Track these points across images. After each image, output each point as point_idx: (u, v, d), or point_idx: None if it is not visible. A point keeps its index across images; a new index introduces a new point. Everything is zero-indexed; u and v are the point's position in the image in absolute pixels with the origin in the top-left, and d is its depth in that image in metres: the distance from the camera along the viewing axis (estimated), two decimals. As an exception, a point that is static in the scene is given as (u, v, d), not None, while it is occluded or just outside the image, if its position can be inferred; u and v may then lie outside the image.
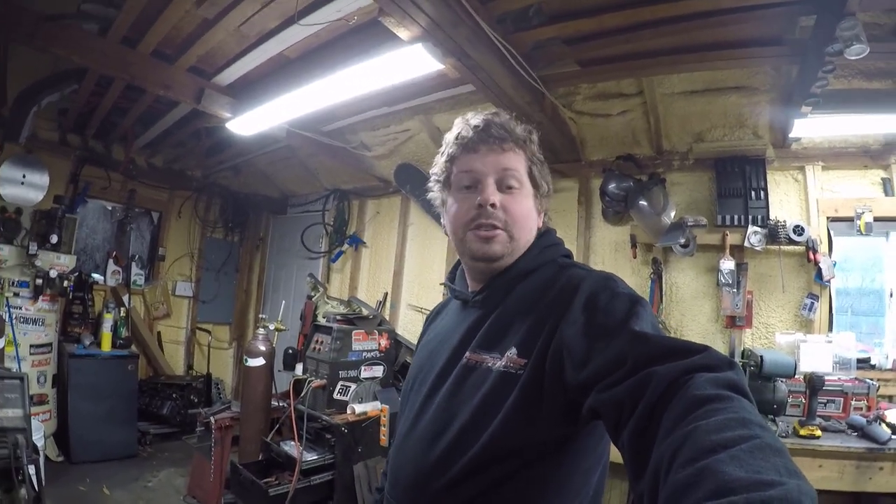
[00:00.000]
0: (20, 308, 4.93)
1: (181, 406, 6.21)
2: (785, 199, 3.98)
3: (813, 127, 3.45)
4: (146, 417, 6.04)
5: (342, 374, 4.11)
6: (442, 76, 3.43)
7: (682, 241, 3.89)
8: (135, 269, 6.70)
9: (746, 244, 3.80)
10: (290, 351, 4.60)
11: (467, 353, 1.20)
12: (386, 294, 5.93)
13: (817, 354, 3.39)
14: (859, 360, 3.60)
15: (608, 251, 4.59)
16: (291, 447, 3.72)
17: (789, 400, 3.39)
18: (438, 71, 3.19)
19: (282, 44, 3.66)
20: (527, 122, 1.35)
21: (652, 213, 3.91)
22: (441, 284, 5.16)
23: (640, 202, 3.94)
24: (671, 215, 3.93)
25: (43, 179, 5.21)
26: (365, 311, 5.22)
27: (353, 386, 4.08)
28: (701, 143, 4.13)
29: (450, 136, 1.33)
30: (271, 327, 4.47)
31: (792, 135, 3.63)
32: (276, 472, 3.73)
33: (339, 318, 4.49)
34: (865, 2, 2.46)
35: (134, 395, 5.77)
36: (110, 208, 7.18)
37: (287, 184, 7.36)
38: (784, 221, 3.78)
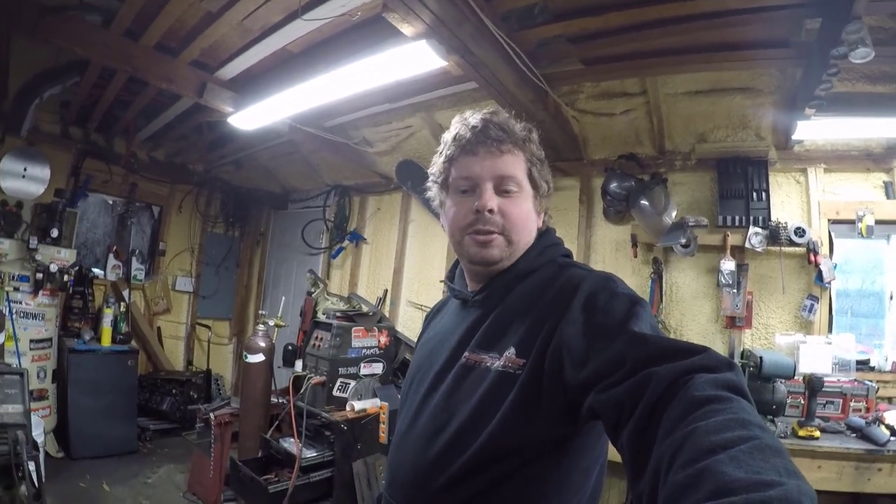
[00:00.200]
0: (20, 303, 4.92)
1: (181, 402, 6.22)
2: (786, 201, 3.98)
3: (816, 129, 3.45)
4: (146, 413, 6.05)
5: (342, 370, 4.11)
6: (445, 73, 3.42)
7: (683, 241, 3.89)
8: (135, 264, 6.70)
9: (747, 245, 3.80)
10: (290, 347, 4.61)
11: (466, 353, 1.20)
12: (386, 291, 5.93)
13: (817, 356, 3.38)
14: (858, 362, 3.60)
15: (609, 250, 4.59)
16: (291, 444, 3.72)
17: (788, 401, 3.40)
18: (441, 68, 3.19)
19: (285, 38, 3.65)
20: (527, 120, 1.34)
21: (653, 212, 3.91)
22: (441, 282, 5.16)
23: (642, 202, 3.94)
24: (672, 215, 3.93)
25: (44, 173, 5.22)
26: (365, 308, 5.23)
27: (353, 383, 4.08)
28: (703, 143, 4.13)
29: (448, 136, 1.32)
30: (271, 323, 4.48)
31: (795, 137, 3.62)
32: (276, 468, 3.74)
33: (338, 314, 4.49)
34: (871, 5, 2.46)
35: (134, 390, 5.78)
36: (111, 202, 7.18)
37: (288, 179, 7.36)
38: (785, 223, 3.78)
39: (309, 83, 3.66)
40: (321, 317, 4.72)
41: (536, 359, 1.06)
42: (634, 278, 4.34)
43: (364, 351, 4.28)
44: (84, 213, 6.74)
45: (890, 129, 3.45)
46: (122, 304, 6.15)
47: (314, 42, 3.75)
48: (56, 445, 5.10)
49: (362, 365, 4.23)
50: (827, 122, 3.32)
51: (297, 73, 3.79)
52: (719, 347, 3.99)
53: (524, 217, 1.26)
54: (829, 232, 3.84)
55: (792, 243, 3.74)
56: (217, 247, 7.76)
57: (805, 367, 3.35)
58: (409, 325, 5.56)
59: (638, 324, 0.97)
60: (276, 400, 4.24)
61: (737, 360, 3.62)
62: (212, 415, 4.20)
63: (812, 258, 3.70)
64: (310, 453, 3.68)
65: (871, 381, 3.52)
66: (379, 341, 4.40)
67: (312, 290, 5.91)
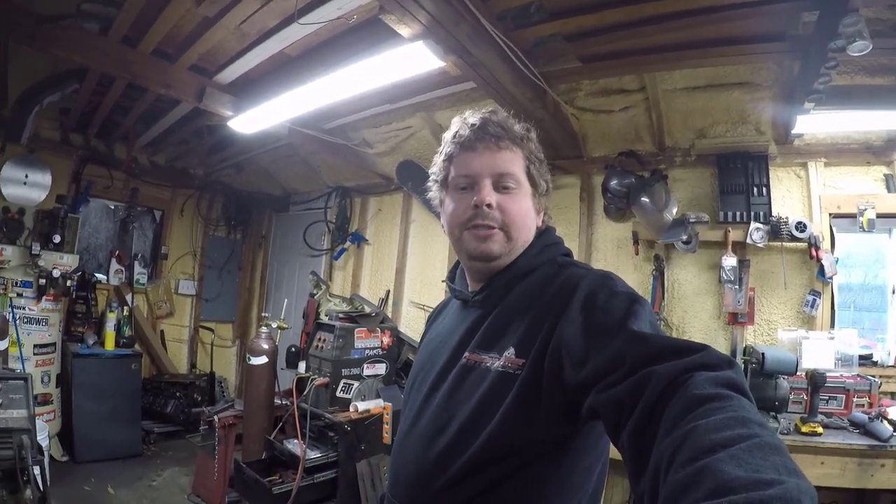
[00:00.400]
0: (24, 308, 4.94)
1: (185, 405, 6.23)
2: (787, 196, 3.97)
3: (815, 123, 3.44)
4: (150, 416, 6.06)
5: (345, 371, 4.11)
6: (443, 73, 3.42)
7: (684, 237, 3.88)
8: (138, 268, 6.71)
9: (748, 241, 3.80)
10: (293, 349, 4.61)
11: (466, 353, 1.21)
12: (388, 291, 5.93)
13: (819, 351, 3.38)
14: (861, 357, 3.60)
15: (610, 248, 4.59)
16: (295, 445, 3.73)
17: (791, 397, 3.38)
18: (440, 68, 3.19)
19: (282, 42, 3.66)
20: (526, 120, 1.34)
21: (654, 209, 3.90)
22: (443, 282, 5.16)
23: (642, 199, 3.93)
24: (673, 212, 3.93)
25: (45, 179, 5.23)
26: (367, 309, 5.22)
27: (356, 384, 4.08)
28: (703, 139, 4.13)
29: (448, 136, 1.33)
30: (274, 326, 4.48)
31: (794, 131, 3.62)
32: (280, 470, 3.74)
33: (341, 315, 4.49)
34: (868, -3, 2.46)
35: (138, 394, 5.79)
36: (113, 207, 7.19)
37: (289, 181, 7.37)
38: (786, 218, 3.77)
39: (308, 86, 3.67)
40: (324, 318, 4.72)
41: (536, 359, 1.06)
42: (636, 275, 4.34)
43: (367, 352, 4.28)
44: (86, 219, 6.74)
45: (890, 122, 3.44)
46: (126, 308, 6.18)
47: (312, 45, 3.75)
48: (61, 449, 5.12)
49: (365, 366, 4.24)
50: (826, 115, 3.31)
51: (295, 77, 3.80)
52: (721, 344, 3.99)
53: (522, 213, 1.26)
54: (831, 226, 3.83)
55: (793, 238, 3.73)
56: (219, 250, 7.77)
57: (807, 362, 3.35)
58: (412, 325, 5.56)
59: (637, 322, 0.97)
60: (279, 402, 4.25)
61: (739, 357, 3.62)
62: (216, 417, 4.21)
63: (814, 253, 3.69)
64: (314, 454, 3.68)
65: (873, 376, 3.51)
66: (382, 342, 4.40)
67: (315, 291, 5.90)
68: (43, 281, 4.98)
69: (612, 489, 3.94)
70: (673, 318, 4.19)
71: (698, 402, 0.72)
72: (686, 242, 3.95)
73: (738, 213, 3.93)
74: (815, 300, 3.74)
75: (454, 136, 1.30)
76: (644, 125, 4.23)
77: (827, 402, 3.41)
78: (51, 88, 4.76)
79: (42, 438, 3.95)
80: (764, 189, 3.91)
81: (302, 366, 4.27)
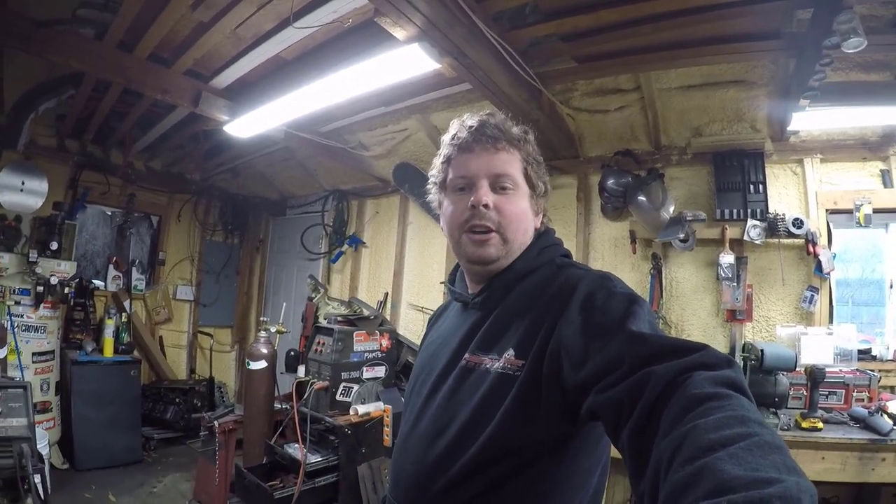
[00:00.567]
0: (22, 316, 4.92)
1: (184, 410, 6.22)
2: (784, 193, 3.98)
3: (811, 120, 3.45)
4: (150, 422, 6.05)
5: (344, 375, 4.10)
6: (439, 75, 3.43)
7: (682, 235, 3.89)
8: (135, 274, 6.69)
9: (746, 238, 3.81)
10: (292, 353, 4.60)
11: (466, 355, 1.21)
12: (386, 294, 5.93)
13: (818, 347, 3.39)
14: (860, 352, 3.61)
15: (608, 247, 4.59)
16: (295, 450, 3.72)
17: (791, 393, 3.39)
18: (435, 70, 3.19)
19: (278, 46, 3.66)
20: (522, 121, 1.35)
21: (651, 208, 3.91)
22: (441, 283, 5.17)
23: (639, 197, 3.94)
24: (670, 210, 3.94)
25: (42, 186, 5.21)
26: (366, 312, 5.22)
27: (356, 387, 4.08)
28: (699, 137, 4.13)
29: (446, 138, 1.34)
30: (273, 330, 4.47)
31: (790, 128, 3.63)
32: (281, 474, 3.73)
33: (340, 319, 4.48)
34: (862, -6, 2.47)
35: (137, 400, 5.78)
36: (110, 213, 7.17)
37: (286, 185, 7.37)
38: (783, 215, 3.78)
39: (303, 89, 3.67)
40: (322, 322, 4.72)
41: (535, 360, 1.07)
42: (634, 274, 4.35)
43: (366, 355, 4.27)
44: (83, 225, 6.74)
45: (885, 117, 3.46)
46: (124, 314, 6.16)
47: (307, 48, 3.75)
48: (61, 457, 5.10)
49: (365, 369, 4.23)
50: (822, 112, 3.32)
51: (291, 80, 3.80)
52: (720, 341, 4.00)
53: (520, 214, 1.27)
54: (828, 222, 3.85)
55: (790, 235, 3.74)
56: (217, 255, 7.76)
57: (807, 358, 3.36)
58: (411, 327, 5.56)
59: (636, 323, 0.97)
60: (279, 406, 4.24)
61: (738, 354, 3.63)
62: (216, 422, 4.19)
63: (811, 249, 3.70)
64: (314, 458, 3.67)
65: (873, 370, 3.52)
66: (381, 345, 4.40)
67: (313, 295, 5.90)
68: (41, 288, 4.97)
69: (612, 488, 3.95)
70: (671, 317, 4.20)
71: (697, 402, 0.72)
72: (683, 241, 3.96)
73: (734, 211, 3.94)
74: (813, 296, 3.75)
75: (452, 138, 1.31)
76: (640, 124, 4.23)
77: (827, 398, 3.42)
78: (47, 94, 4.76)
79: (42, 446, 3.95)
80: (760, 186, 3.92)
81: (301, 370, 4.26)
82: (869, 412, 3.18)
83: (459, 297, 1.37)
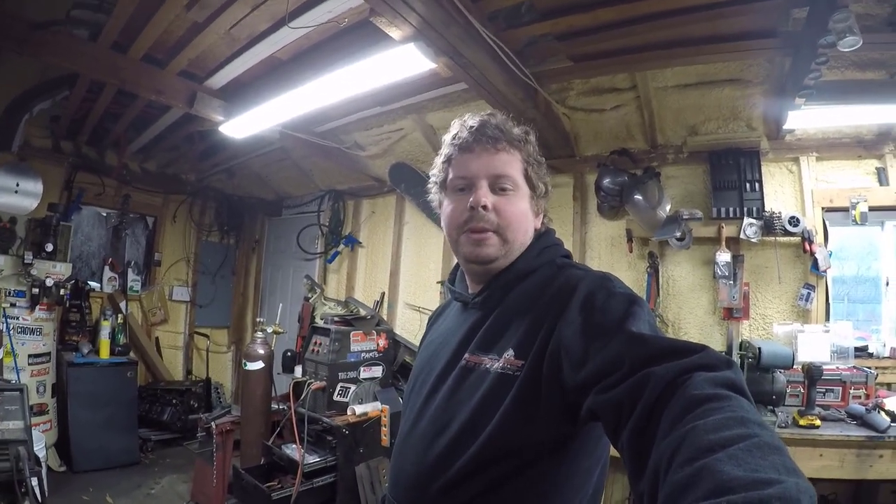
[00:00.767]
0: (17, 318, 4.91)
1: (181, 411, 6.21)
2: (780, 191, 3.99)
3: (807, 118, 3.46)
4: (147, 424, 6.04)
5: (341, 375, 4.10)
6: (434, 75, 3.42)
7: (678, 234, 3.89)
8: (131, 275, 6.69)
9: (742, 236, 3.81)
10: (289, 353, 4.59)
11: (466, 355, 1.21)
12: (383, 294, 5.93)
13: (815, 344, 3.39)
14: (857, 349, 3.62)
15: (604, 246, 4.59)
16: (293, 450, 3.72)
17: (788, 390, 3.40)
18: (431, 70, 3.18)
19: (273, 46, 3.65)
20: (518, 120, 1.35)
21: (647, 207, 3.91)
22: (438, 283, 5.17)
23: (636, 196, 3.94)
24: (666, 209, 3.94)
25: (37, 187, 5.19)
26: (362, 312, 5.22)
27: (353, 387, 4.08)
28: (695, 136, 4.14)
29: (447, 138, 1.34)
30: (269, 330, 4.47)
31: (786, 126, 3.64)
32: (279, 475, 3.72)
33: (336, 319, 4.48)
34: (858, -7, 2.47)
35: (134, 401, 5.77)
36: (105, 214, 7.15)
37: (282, 185, 7.35)
38: (779, 213, 3.79)
39: (299, 89, 3.66)
40: (319, 322, 4.71)
41: (535, 360, 1.07)
42: (630, 273, 4.35)
43: (363, 355, 4.27)
44: (78, 227, 6.71)
45: (881, 116, 3.47)
46: (120, 315, 6.15)
47: (303, 48, 3.74)
48: (58, 459, 5.09)
49: (362, 369, 4.23)
50: (817, 110, 3.33)
51: (286, 80, 3.79)
52: (717, 339, 4.00)
53: (519, 215, 1.26)
54: (824, 220, 3.85)
55: (787, 233, 3.75)
56: (212, 255, 7.76)
57: (803, 356, 3.36)
58: (408, 327, 5.56)
59: (636, 323, 0.97)
60: (276, 406, 4.23)
61: (735, 352, 3.64)
62: (213, 423, 4.19)
63: (807, 247, 3.71)
64: (312, 459, 3.67)
65: (869, 367, 3.53)
66: (378, 344, 4.40)
67: (309, 295, 5.90)
68: (36, 290, 4.96)
69: (611, 486, 3.95)
70: (668, 315, 4.20)
71: (697, 403, 0.72)
72: (680, 239, 3.96)
73: (731, 209, 3.95)
74: (809, 294, 3.76)
75: (453, 138, 1.31)
76: (636, 123, 4.23)
77: (824, 395, 3.43)
78: (41, 96, 4.75)
79: (39, 449, 3.94)
80: (756, 184, 3.92)
81: (298, 370, 4.26)
82: (866, 409, 3.20)
83: (459, 296, 1.38)
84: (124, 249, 6.98)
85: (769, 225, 3.79)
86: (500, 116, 1.31)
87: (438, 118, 4.59)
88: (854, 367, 3.48)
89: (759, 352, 3.32)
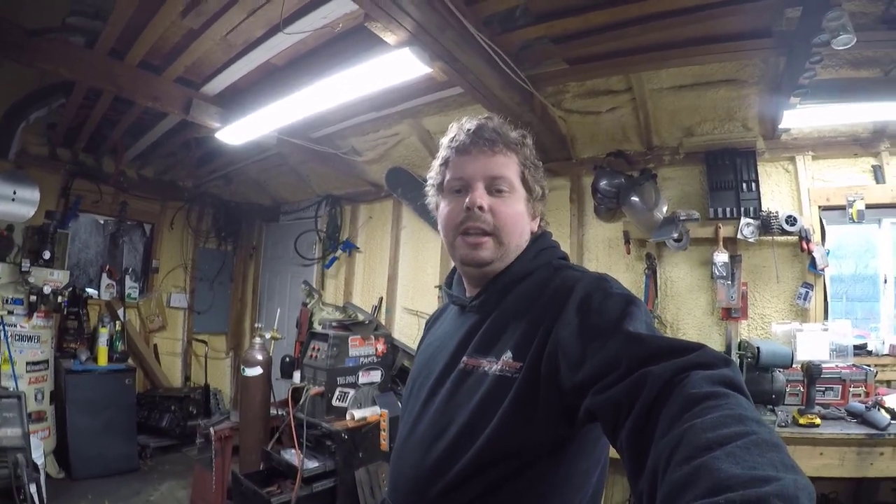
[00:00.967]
0: (15, 326, 4.90)
1: (180, 418, 6.19)
2: (776, 190, 4.00)
3: (802, 117, 3.46)
4: (146, 431, 6.02)
5: (340, 380, 4.09)
6: (430, 79, 3.42)
7: (676, 235, 3.90)
8: (129, 283, 6.67)
9: (739, 236, 3.82)
10: (288, 359, 4.60)
11: (464, 358, 1.21)
12: (381, 298, 5.92)
13: (814, 343, 3.40)
14: (856, 347, 3.63)
15: (602, 248, 4.60)
16: (292, 455, 3.71)
17: (788, 389, 3.41)
18: (426, 74, 3.19)
19: (268, 52, 3.65)
20: (514, 123, 1.36)
21: (644, 208, 3.92)
22: (436, 287, 5.16)
23: (632, 198, 3.94)
24: (663, 210, 3.94)
25: (34, 195, 5.18)
26: (361, 317, 5.22)
27: (352, 392, 4.07)
28: (691, 137, 4.15)
29: (445, 140, 1.34)
30: (267, 336, 4.46)
31: (781, 126, 3.65)
32: (278, 480, 3.71)
33: (334, 324, 4.48)
34: (850, -9, 2.48)
35: (132, 408, 5.75)
36: (102, 222, 7.15)
37: (279, 191, 7.35)
38: (776, 212, 3.80)
39: (295, 95, 3.66)
40: (317, 327, 4.72)
41: (532, 362, 1.07)
42: (628, 275, 4.35)
43: (362, 359, 4.27)
44: (76, 234, 6.70)
45: (876, 113, 3.47)
46: (118, 322, 6.13)
47: (298, 54, 3.75)
48: (56, 467, 5.07)
49: (360, 373, 4.22)
50: (813, 109, 3.33)
51: (282, 86, 3.79)
52: (716, 339, 4.01)
53: (515, 217, 1.27)
54: (821, 219, 3.86)
55: (784, 232, 3.76)
56: (210, 262, 7.74)
57: (803, 354, 3.37)
58: (406, 331, 5.55)
59: (633, 323, 0.97)
60: (275, 412, 4.23)
61: (734, 352, 3.64)
62: (212, 430, 4.18)
63: (805, 246, 3.72)
64: (311, 464, 3.66)
65: (869, 365, 3.53)
66: (376, 349, 4.39)
67: (307, 300, 5.89)
68: (34, 298, 4.95)
69: (611, 487, 3.95)
70: (667, 316, 4.20)
71: (695, 401, 0.72)
72: (677, 240, 3.97)
73: (727, 210, 3.96)
74: (807, 292, 3.76)
75: (450, 141, 1.32)
76: (632, 125, 4.24)
77: (823, 394, 3.44)
78: (37, 103, 4.74)
79: (37, 456, 3.93)
80: (753, 184, 3.93)
81: (297, 375, 4.26)
82: (866, 407, 3.20)
83: (457, 300, 1.37)
84: (122, 256, 6.95)
85: (766, 224, 3.79)
86: (497, 120, 1.32)
87: (434, 122, 4.59)
88: (853, 365, 3.49)
89: (758, 351, 3.33)
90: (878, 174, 3.77)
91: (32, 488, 3.29)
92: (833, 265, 3.89)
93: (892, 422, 3.04)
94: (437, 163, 1.36)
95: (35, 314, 5.01)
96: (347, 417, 3.90)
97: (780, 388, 3.36)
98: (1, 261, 4.89)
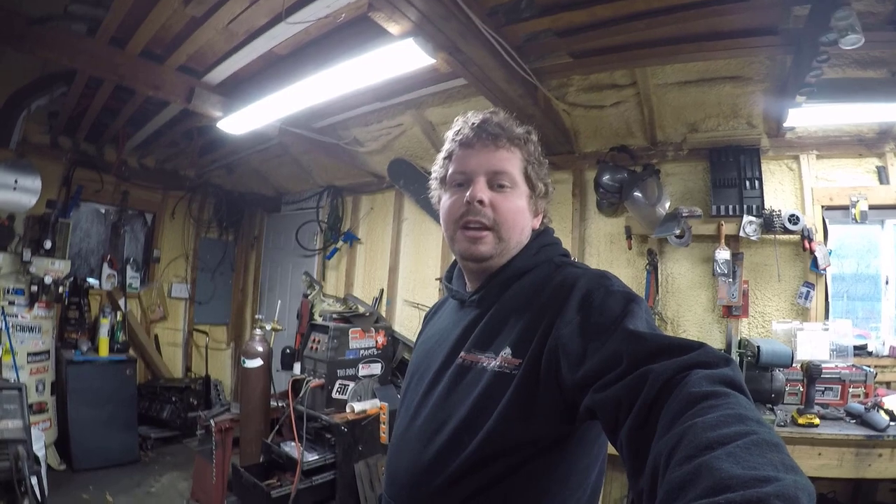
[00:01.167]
0: (16, 316, 4.91)
1: (181, 409, 6.21)
2: (780, 189, 3.99)
3: (807, 116, 3.45)
4: (146, 422, 6.05)
5: (340, 372, 4.10)
6: (433, 70, 3.41)
7: (678, 231, 3.88)
8: (130, 272, 6.68)
9: (742, 234, 3.81)
10: (288, 350, 4.59)
11: (462, 353, 1.21)
12: (382, 290, 5.92)
13: (814, 342, 3.40)
14: (856, 347, 3.63)
15: (603, 243, 4.58)
16: (292, 448, 3.71)
17: (787, 389, 3.40)
18: (430, 65, 3.16)
19: (271, 41, 3.63)
20: (518, 116, 1.35)
21: (647, 204, 3.91)
22: (437, 280, 5.16)
23: (635, 193, 3.94)
24: (666, 206, 3.94)
25: (35, 184, 5.17)
26: (361, 309, 5.22)
27: (352, 384, 4.07)
28: (695, 133, 4.13)
29: (449, 134, 1.34)
30: (268, 327, 4.46)
31: (786, 124, 3.63)
32: (278, 473, 3.72)
33: (335, 316, 4.48)
34: (859, -10, 2.46)
35: (133, 399, 5.78)
36: (103, 211, 7.14)
37: (281, 181, 7.34)
38: (779, 211, 3.78)
39: (297, 85, 3.63)
40: (318, 319, 4.72)
41: (532, 359, 1.06)
42: (630, 270, 4.34)
43: (362, 352, 4.27)
44: (77, 223, 6.68)
45: (881, 114, 3.45)
46: (119, 313, 6.15)
47: (301, 43, 3.73)
48: (58, 458, 5.09)
49: (361, 366, 4.23)
50: (818, 108, 3.31)
51: (284, 76, 3.77)
52: (716, 337, 4.00)
53: (515, 212, 1.26)
54: (823, 218, 3.85)
55: (786, 231, 3.75)
56: (211, 252, 7.75)
57: (803, 354, 3.37)
58: (407, 324, 5.55)
59: (633, 321, 0.97)
60: (275, 404, 4.23)
61: (735, 350, 3.63)
62: (212, 421, 4.18)
63: (807, 245, 3.71)
64: (311, 457, 3.67)
65: (868, 366, 3.53)
66: (376, 342, 4.39)
67: (308, 292, 5.90)
68: (35, 288, 4.96)
69: (609, 484, 3.95)
70: (667, 313, 4.20)
71: (695, 400, 0.72)
72: (679, 236, 3.96)
73: (730, 207, 3.94)
74: (808, 292, 3.75)
75: (455, 135, 1.32)
76: (636, 120, 4.22)
77: (823, 394, 3.43)
78: (39, 92, 4.73)
79: (38, 448, 3.94)
80: (756, 182, 3.92)
81: (297, 367, 4.26)
82: (865, 408, 3.20)
83: (456, 294, 1.37)
84: (123, 246, 6.96)
85: (769, 223, 3.78)
86: (502, 114, 1.31)
87: (437, 114, 4.58)
88: (853, 365, 3.48)
89: (759, 350, 3.32)
90: (883, 175, 3.75)
91: (33, 480, 3.29)
92: (834, 264, 3.88)
93: (891, 423, 3.04)
94: (441, 156, 1.36)
95: (36, 304, 5.02)
96: (347, 410, 3.91)
97: (780, 387, 3.35)
98: (2, 250, 4.90)
